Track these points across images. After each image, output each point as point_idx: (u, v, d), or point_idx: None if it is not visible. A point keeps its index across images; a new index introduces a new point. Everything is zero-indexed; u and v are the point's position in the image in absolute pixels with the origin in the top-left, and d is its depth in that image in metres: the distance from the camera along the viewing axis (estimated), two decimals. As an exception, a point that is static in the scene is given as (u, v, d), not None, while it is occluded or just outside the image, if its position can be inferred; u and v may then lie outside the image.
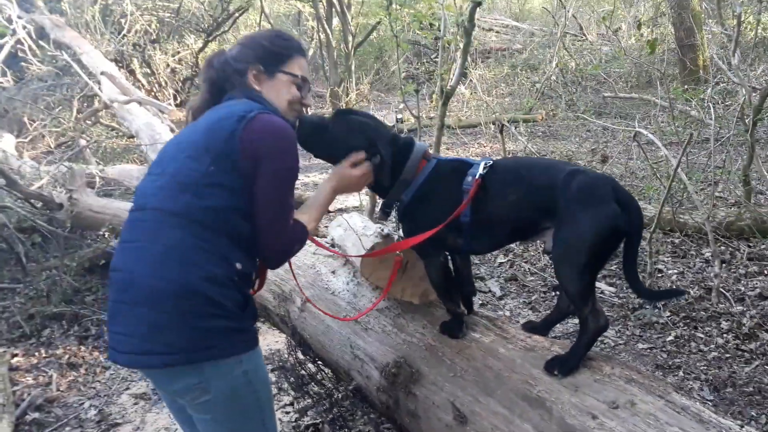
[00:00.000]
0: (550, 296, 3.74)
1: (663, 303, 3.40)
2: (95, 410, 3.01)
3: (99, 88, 7.19)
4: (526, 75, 11.16)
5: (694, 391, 2.71)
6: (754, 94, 3.95)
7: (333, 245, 2.58)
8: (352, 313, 2.21)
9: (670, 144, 6.06)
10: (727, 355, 2.94)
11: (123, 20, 9.51)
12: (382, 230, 2.23)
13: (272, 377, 2.68)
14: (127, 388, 3.20)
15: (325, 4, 10.90)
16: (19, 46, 8.18)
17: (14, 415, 2.83)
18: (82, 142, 6.84)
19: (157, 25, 10.05)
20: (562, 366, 1.63)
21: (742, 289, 3.45)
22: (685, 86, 7.12)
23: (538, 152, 6.32)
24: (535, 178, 1.73)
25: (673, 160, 3.56)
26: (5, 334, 3.67)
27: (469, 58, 8.05)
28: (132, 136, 7.15)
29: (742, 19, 4.44)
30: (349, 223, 2.44)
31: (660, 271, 3.77)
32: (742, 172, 4.20)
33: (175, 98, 9.68)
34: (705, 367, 2.88)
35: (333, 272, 2.47)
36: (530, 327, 1.99)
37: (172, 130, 6.12)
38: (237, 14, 10.89)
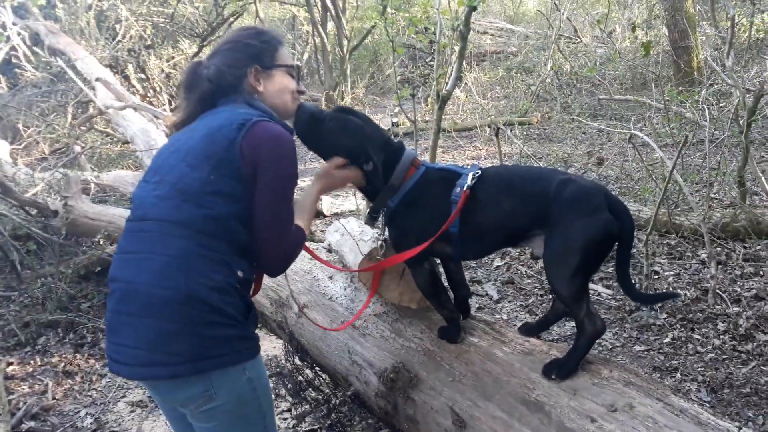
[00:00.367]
0: (546, 299, 3.74)
1: (659, 305, 3.40)
2: (91, 418, 3.00)
3: (94, 94, 7.17)
4: (521, 78, 11.18)
5: (691, 392, 2.71)
6: (748, 96, 3.96)
7: (330, 250, 2.58)
8: (350, 318, 2.20)
9: (666, 146, 6.08)
10: (724, 357, 2.95)
11: (118, 26, 9.49)
12: (380, 235, 2.22)
13: (270, 383, 2.67)
14: (124, 396, 3.19)
15: (320, 8, 10.93)
16: (13, 52, 8.14)
17: (10, 424, 2.81)
18: (77, 149, 6.82)
19: (152, 30, 10.04)
20: (560, 369, 1.63)
21: (738, 290, 3.46)
22: (680, 88, 7.13)
23: (533, 155, 6.33)
24: (527, 188, 1.75)
25: (669, 162, 3.57)
26: (0, 342, 3.65)
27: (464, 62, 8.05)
28: (127, 142, 7.13)
29: (736, 21, 4.46)
30: (346, 228, 2.43)
31: (656, 272, 3.78)
32: (737, 174, 4.21)
33: (170, 103, 9.64)
34: (702, 369, 2.88)
35: (330, 277, 2.46)
36: (527, 329, 2.00)
37: (167, 136, 6.10)
38: (232, 19, 10.91)
